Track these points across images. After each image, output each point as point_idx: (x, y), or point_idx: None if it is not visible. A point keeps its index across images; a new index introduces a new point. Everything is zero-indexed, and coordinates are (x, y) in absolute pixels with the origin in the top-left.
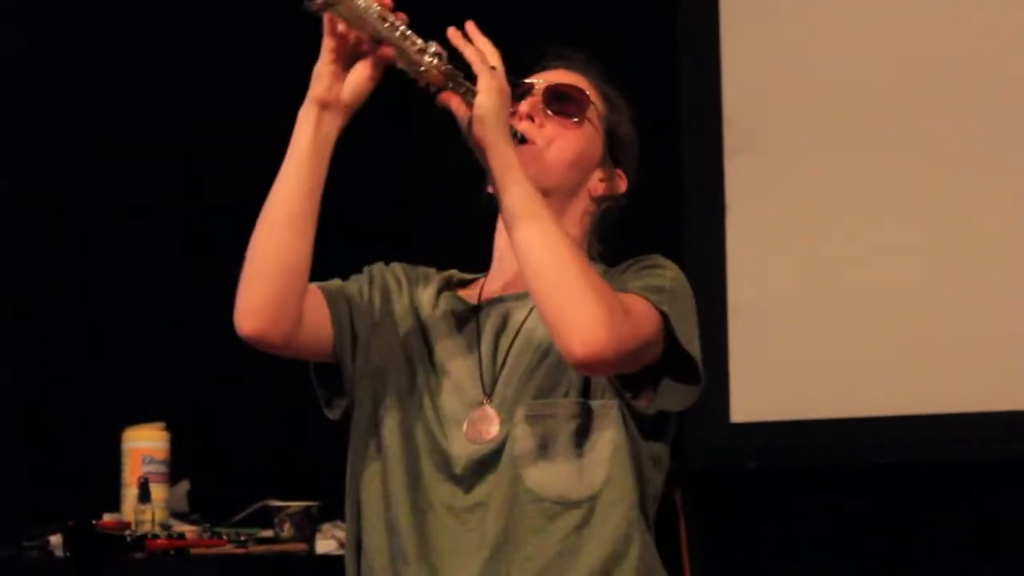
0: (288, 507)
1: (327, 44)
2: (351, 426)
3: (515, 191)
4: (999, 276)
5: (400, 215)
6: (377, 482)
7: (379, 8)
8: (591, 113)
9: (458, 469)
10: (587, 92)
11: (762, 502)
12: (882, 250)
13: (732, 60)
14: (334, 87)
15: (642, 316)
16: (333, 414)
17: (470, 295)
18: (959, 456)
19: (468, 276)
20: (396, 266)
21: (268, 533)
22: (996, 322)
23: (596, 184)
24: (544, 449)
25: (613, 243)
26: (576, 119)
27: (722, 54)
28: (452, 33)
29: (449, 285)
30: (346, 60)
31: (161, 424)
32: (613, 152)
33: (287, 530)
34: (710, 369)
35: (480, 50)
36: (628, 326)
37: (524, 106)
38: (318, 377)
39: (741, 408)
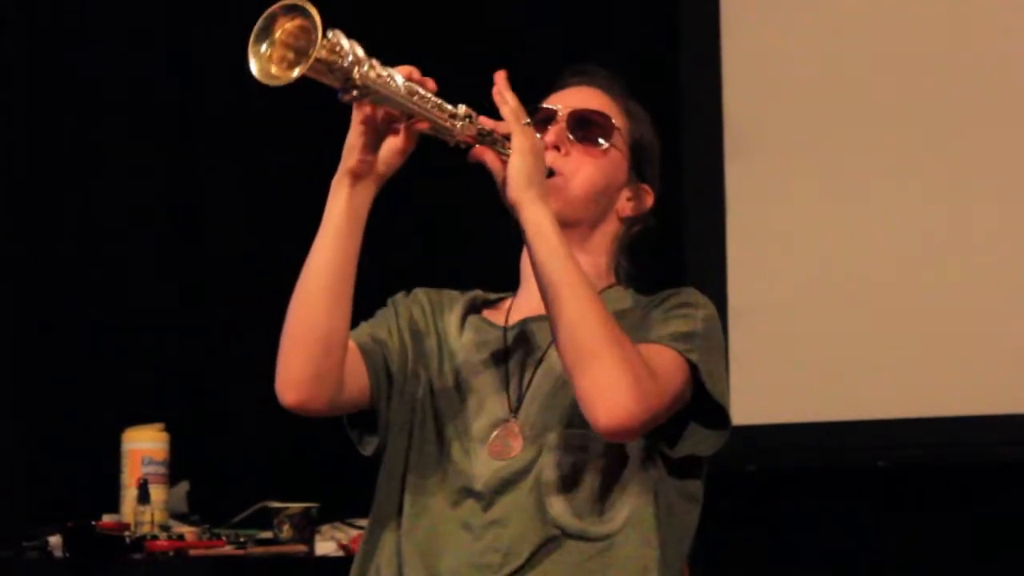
0: (287, 508)
1: (357, 117)
2: (383, 458)
3: (548, 254)
4: (1001, 278)
5: (423, 232)
6: (397, 505)
7: (407, 84)
8: (615, 136)
9: (479, 485)
10: (611, 116)
11: (762, 504)
12: (883, 252)
13: (733, 61)
14: (366, 159)
15: (670, 374)
16: (366, 451)
17: (497, 316)
18: (960, 459)
19: (493, 296)
20: (419, 293)
21: (267, 534)
22: (998, 325)
23: (624, 204)
24: (572, 481)
25: (643, 261)
26: (602, 145)
27: (723, 55)
28: (495, 91)
29: (474, 307)
30: (377, 131)
31: (160, 425)
32: (639, 168)
33: (286, 531)
34: None
35: (514, 108)
36: (655, 393)
37: (550, 136)
38: (348, 417)
39: (741, 410)
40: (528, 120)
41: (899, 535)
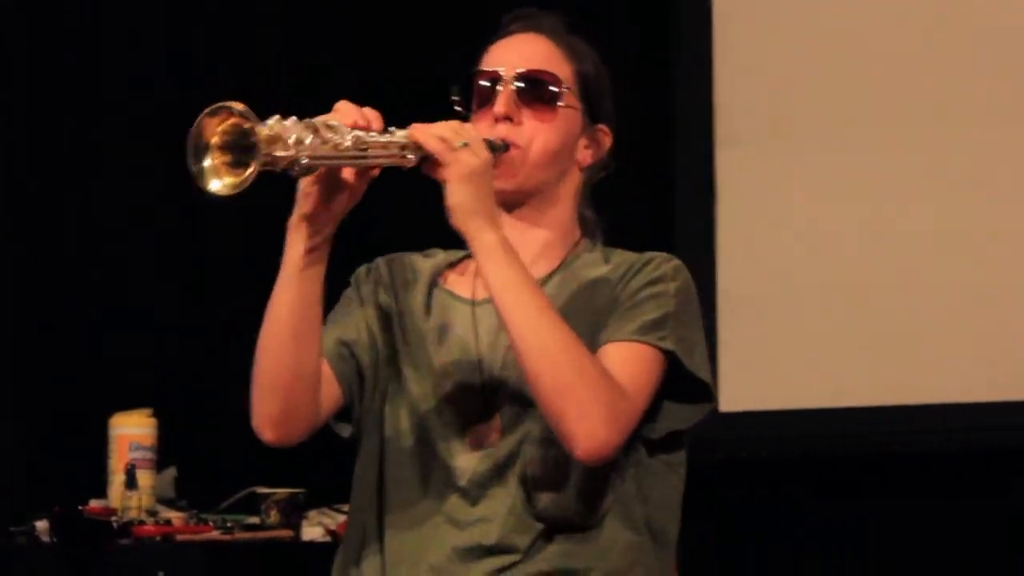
0: (274, 494)
1: None
2: (359, 446)
3: (503, 286)
4: (992, 269)
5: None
6: (377, 501)
7: (354, 135)
8: (566, 90)
9: (463, 481)
10: (559, 72)
11: (751, 492)
12: (873, 240)
13: (725, 49)
14: (321, 204)
15: (644, 381)
16: (343, 434)
17: (462, 285)
18: (952, 446)
19: (455, 256)
20: (382, 268)
21: (254, 520)
22: (989, 313)
23: (583, 154)
24: (557, 475)
25: (606, 208)
26: (553, 104)
27: (715, 43)
28: (413, 132)
29: (438, 274)
30: (329, 181)
31: (148, 410)
32: (592, 111)
33: (273, 516)
34: None
35: (441, 136)
36: (629, 413)
37: (499, 107)
38: None
39: (730, 397)
40: (462, 143)
41: (891, 521)
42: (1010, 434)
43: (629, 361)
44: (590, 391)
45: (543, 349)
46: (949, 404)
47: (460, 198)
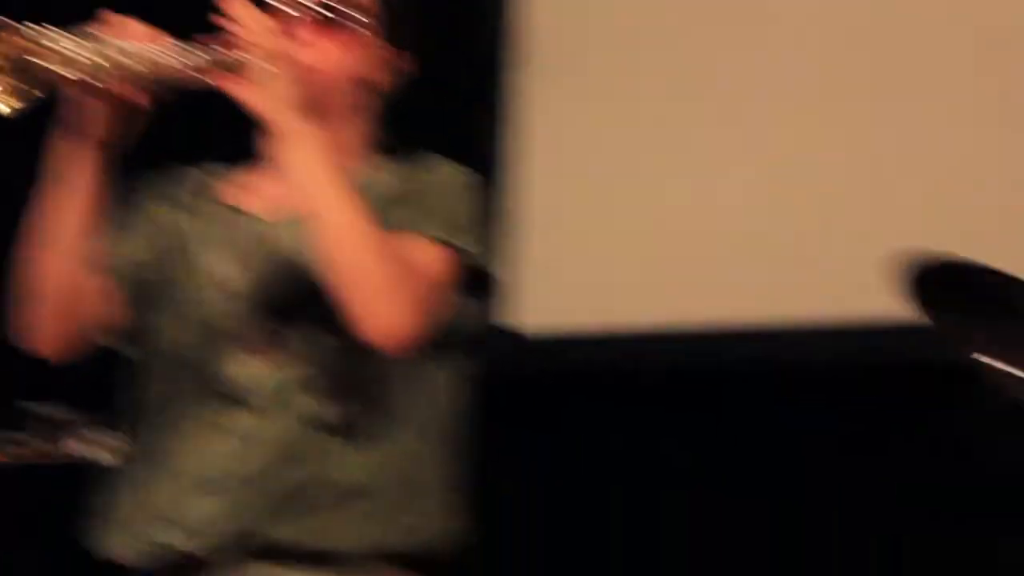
0: (42, 411)
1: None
2: (135, 362)
3: (310, 166)
4: (794, 190)
5: None
6: (158, 413)
7: (140, 52)
8: (366, 13)
9: (249, 396)
10: None
11: (550, 414)
12: (675, 162)
13: None
14: (106, 126)
15: (438, 275)
16: (120, 349)
17: (242, 198)
18: (753, 367)
19: (232, 170)
20: (159, 181)
21: (22, 437)
22: (788, 234)
23: (380, 78)
24: (344, 383)
25: (407, 132)
26: (351, 27)
27: None
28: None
29: (216, 189)
30: (117, 97)
31: None
32: (392, 36)
33: (41, 435)
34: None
35: (250, 27)
36: (430, 303)
37: (297, 29)
38: None
39: (532, 319)
40: (265, 34)
41: (692, 442)
42: (803, 356)
43: (425, 257)
44: (395, 277)
45: (349, 237)
46: (753, 325)
47: (288, 89)
